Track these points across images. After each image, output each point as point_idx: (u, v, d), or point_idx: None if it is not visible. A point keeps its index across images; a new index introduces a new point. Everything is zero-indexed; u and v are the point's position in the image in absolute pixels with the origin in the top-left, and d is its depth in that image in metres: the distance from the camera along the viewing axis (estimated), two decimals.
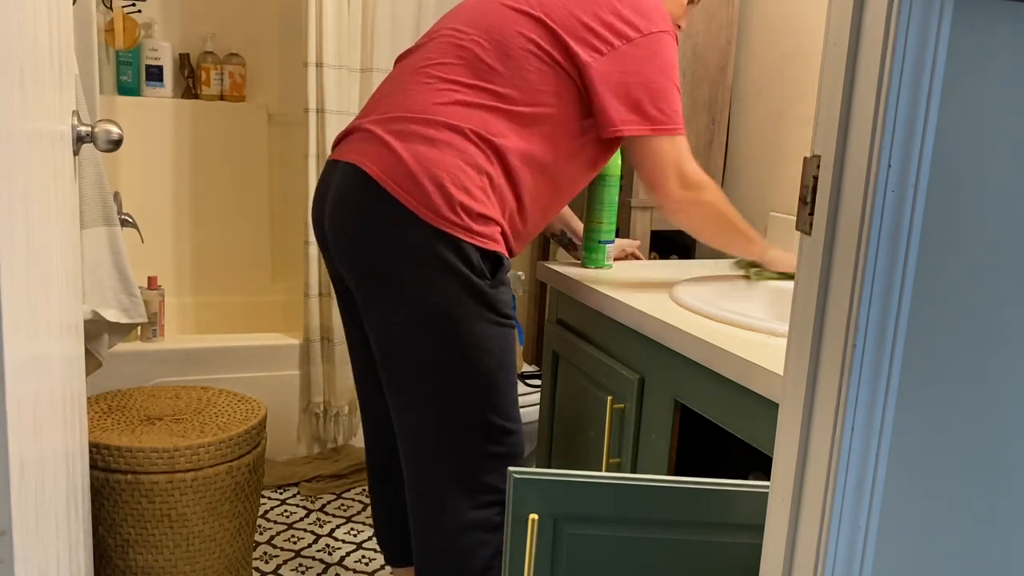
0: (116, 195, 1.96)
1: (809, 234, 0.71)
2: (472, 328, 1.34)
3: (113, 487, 1.65)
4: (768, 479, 0.78)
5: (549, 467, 1.62)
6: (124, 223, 1.96)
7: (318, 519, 2.28)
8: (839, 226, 0.68)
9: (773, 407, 1.08)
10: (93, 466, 1.63)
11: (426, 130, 1.34)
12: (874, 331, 0.66)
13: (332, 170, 1.43)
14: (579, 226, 1.79)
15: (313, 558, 2.09)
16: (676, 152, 1.45)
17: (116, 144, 1.19)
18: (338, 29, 2.37)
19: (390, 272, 1.34)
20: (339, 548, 2.14)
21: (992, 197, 0.66)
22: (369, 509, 2.34)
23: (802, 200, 0.72)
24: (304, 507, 2.34)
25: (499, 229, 1.37)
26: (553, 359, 1.74)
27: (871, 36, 0.64)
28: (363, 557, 2.11)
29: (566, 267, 1.71)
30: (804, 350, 0.71)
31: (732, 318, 1.31)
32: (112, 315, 1.83)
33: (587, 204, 1.69)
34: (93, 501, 1.65)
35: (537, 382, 2.35)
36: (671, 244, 2.25)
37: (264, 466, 1.89)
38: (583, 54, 1.39)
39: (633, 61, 1.41)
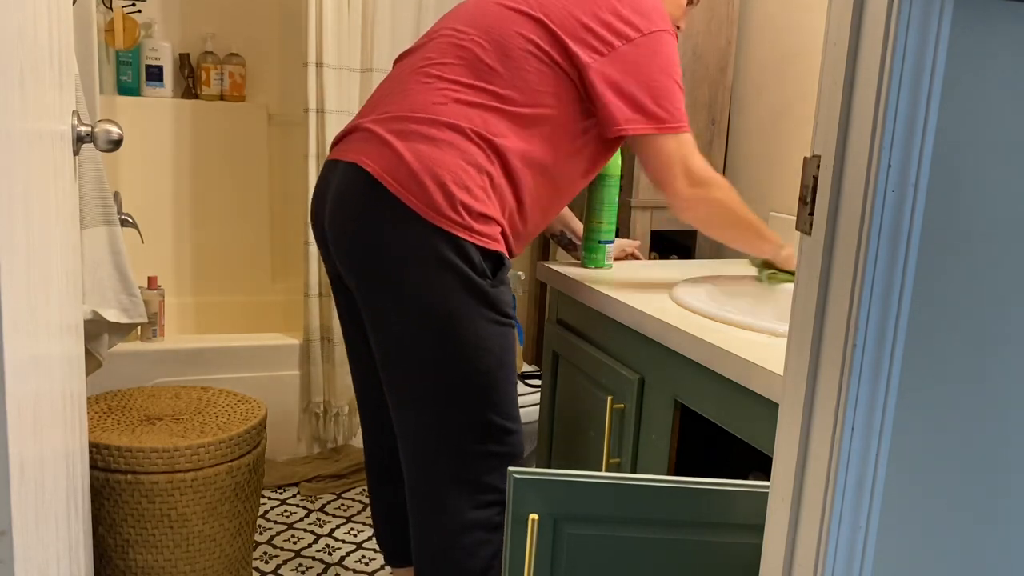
0: (116, 195, 1.96)
1: (809, 234, 0.71)
2: (472, 327, 1.34)
3: (113, 487, 1.65)
4: (768, 479, 0.78)
5: (549, 467, 1.62)
6: (124, 223, 1.96)
7: (318, 519, 2.28)
8: (839, 226, 0.68)
9: (773, 407, 1.08)
10: (93, 466, 1.63)
11: (427, 129, 1.34)
12: (874, 331, 0.66)
13: (332, 169, 1.43)
14: (579, 226, 1.79)
15: (313, 558, 2.09)
16: (682, 150, 1.44)
17: (116, 144, 1.19)
18: (338, 29, 2.37)
19: (390, 272, 1.34)
20: (339, 548, 2.14)
21: (992, 197, 0.66)
22: (369, 509, 2.34)
23: (802, 200, 0.72)
24: (304, 507, 2.34)
25: (500, 229, 1.37)
26: (553, 359, 1.74)
27: (871, 36, 0.64)
28: (363, 557, 2.11)
29: (566, 267, 1.71)
30: (804, 350, 0.71)
31: (732, 318, 1.31)
32: (112, 315, 1.83)
33: (587, 204, 1.69)
34: (93, 501, 1.65)
35: (537, 382, 2.35)
36: (671, 244, 2.25)
37: (264, 466, 1.89)
38: (583, 55, 1.39)
39: (634, 61, 1.41)
